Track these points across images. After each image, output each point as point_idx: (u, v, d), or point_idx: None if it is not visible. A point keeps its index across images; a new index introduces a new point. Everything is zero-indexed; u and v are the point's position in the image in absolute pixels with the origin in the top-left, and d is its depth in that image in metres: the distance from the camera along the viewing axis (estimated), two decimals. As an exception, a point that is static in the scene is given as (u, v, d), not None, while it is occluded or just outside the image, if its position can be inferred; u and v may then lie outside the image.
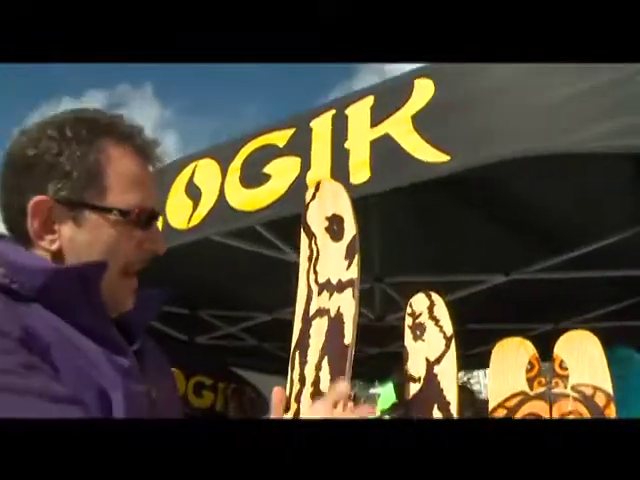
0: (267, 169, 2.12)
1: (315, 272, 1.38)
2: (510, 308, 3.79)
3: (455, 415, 1.48)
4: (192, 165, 2.40)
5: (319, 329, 1.35)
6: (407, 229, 2.97)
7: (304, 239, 1.44)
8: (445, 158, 1.71)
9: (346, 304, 1.30)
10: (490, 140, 1.69)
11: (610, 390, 1.42)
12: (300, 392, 1.29)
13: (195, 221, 2.25)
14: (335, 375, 1.23)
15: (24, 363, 0.85)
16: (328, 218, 1.40)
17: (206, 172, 2.32)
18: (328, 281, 1.36)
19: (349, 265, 1.33)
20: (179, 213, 2.30)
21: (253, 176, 2.15)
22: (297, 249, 2.91)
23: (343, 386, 1.03)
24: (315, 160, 2.00)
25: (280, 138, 2.14)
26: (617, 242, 2.78)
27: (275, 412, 1.11)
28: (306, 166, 2.02)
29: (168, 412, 1.06)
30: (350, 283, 1.31)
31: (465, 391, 3.49)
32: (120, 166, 0.99)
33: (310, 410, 1.07)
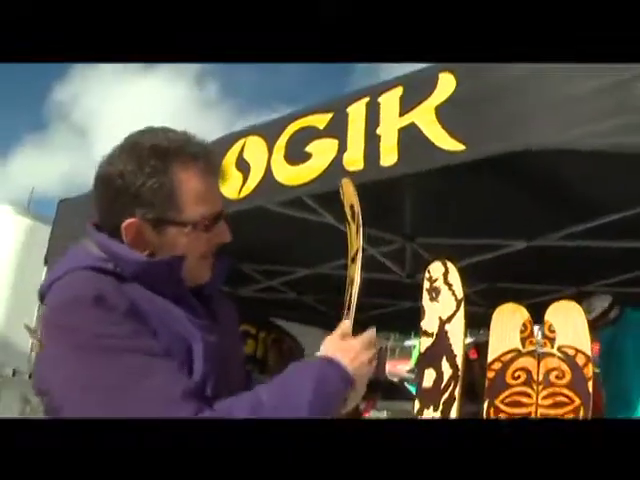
0: (309, 148, 2.41)
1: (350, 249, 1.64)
2: (533, 271, 4.02)
3: (460, 365, 1.78)
4: (241, 141, 2.70)
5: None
6: (437, 195, 3.13)
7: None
8: (461, 148, 1.98)
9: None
10: (501, 133, 1.94)
11: (589, 352, 1.69)
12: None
13: (245, 192, 2.56)
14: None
15: (132, 330, 1.15)
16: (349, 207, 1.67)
17: (254, 148, 2.62)
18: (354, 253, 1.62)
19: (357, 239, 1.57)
20: (230, 184, 2.61)
21: (296, 154, 2.45)
22: (334, 213, 3.18)
23: (345, 323, 1.32)
24: (351, 143, 2.29)
25: (320, 121, 2.42)
26: (636, 214, 2.94)
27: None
28: (343, 148, 2.31)
29: (235, 356, 1.38)
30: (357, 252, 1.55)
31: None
32: (189, 186, 1.25)
33: (323, 348, 1.31)
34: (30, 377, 4.26)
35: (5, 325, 5.05)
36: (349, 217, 1.58)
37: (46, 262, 4.15)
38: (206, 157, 1.28)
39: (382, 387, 5.52)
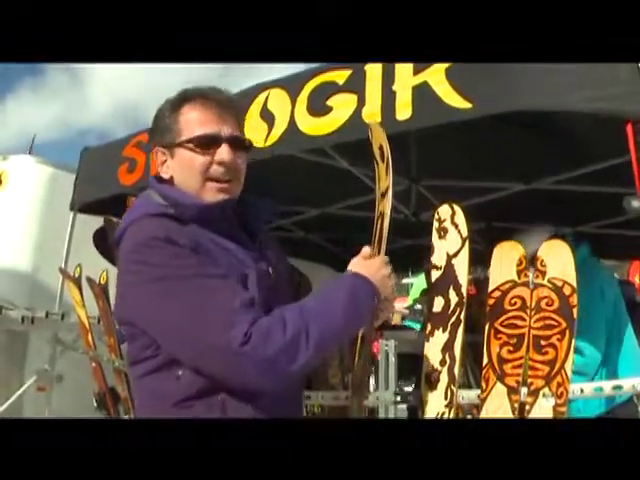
0: (330, 102, 2.66)
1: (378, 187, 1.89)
2: (530, 213, 4.27)
3: (464, 294, 2.07)
4: (265, 93, 2.94)
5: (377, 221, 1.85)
6: (441, 139, 3.29)
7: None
8: (468, 105, 2.24)
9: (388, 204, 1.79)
10: (504, 93, 2.20)
11: (575, 284, 1.97)
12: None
13: (271, 141, 2.82)
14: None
15: (197, 261, 1.40)
16: (378, 148, 1.89)
17: (278, 100, 2.86)
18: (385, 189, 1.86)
19: (387, 178, 1.81)
20: (256, 133, 2.86)
21: (318, 106, 2.70)
22: (348, 158, 3.41)
23: (365, 248, 1.60)
24: (369, 98, 2.54)
25: (340, 77, 2.67)
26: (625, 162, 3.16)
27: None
28: (361, 102, 2.57)
29: (283, 283, 1.63)
30: (388, 188, 1.80)
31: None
32: (188, 116, 1.53)
33: (349, 268, 1.57)
34: (62, 318, 4.53)
35: (35, 270, 5.31)
36: (378, 157, 1.80)
37: (72, 208, 4.42)
38: (201, 96, 1.55)
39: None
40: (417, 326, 5.76)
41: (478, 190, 4.09)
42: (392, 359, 2.97)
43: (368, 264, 1.55)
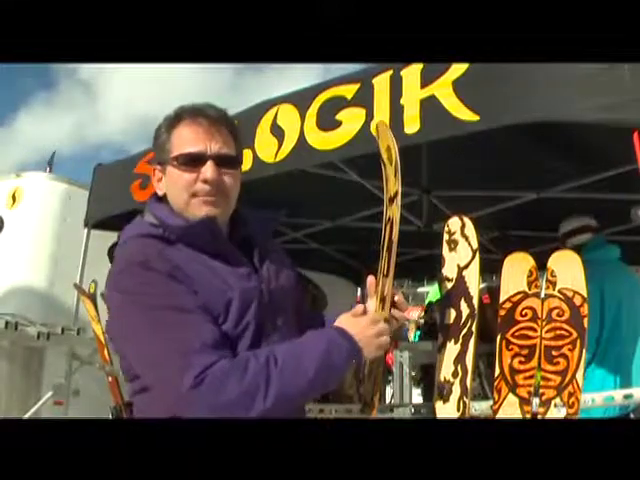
0: (339, 116, 2.69)
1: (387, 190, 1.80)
2: (542, 221, 4.29)
3: (476, 305, 2.07)
4: (274, 109, 2.97)
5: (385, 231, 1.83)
6: (451, 150, 3.26)
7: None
8: (476, 118, 2.26)
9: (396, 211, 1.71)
10: (508, 106, 2.22)
11: (585, 294, 1.97)
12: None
13: (281, 156, 2.85)
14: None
15: (168, 290, 1.39)
16: (386, 149, 1.82)
17: (287, 115, 2.90)
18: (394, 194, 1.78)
19: (396, 181, 1.72)
20: (266, 149, 2.90)
21: (327, 121, 2.73)
22: (357, 170, 3.44)
23: (359, 306, 1.54)
24: (377, 112, 2.56)
25: (348, 91, 2.70)
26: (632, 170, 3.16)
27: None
28: (370, 116, 2.59)
29: (286, 298, 1.60)
30: (397, 194, 1.70)
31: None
32: (179, 135, 1.54)
33: (337, 322, 1.53)
34: (78, 333, 4.58)
35: (51, 286, 5.38)
36: (385, 159, 1.72)
37: (86, 224, 4.47)
38: (192, 114, 1.55)
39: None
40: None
41: (490, 199, 4.11)
42: (406, 370, 2.98)
43: (354, 322, 1.51)
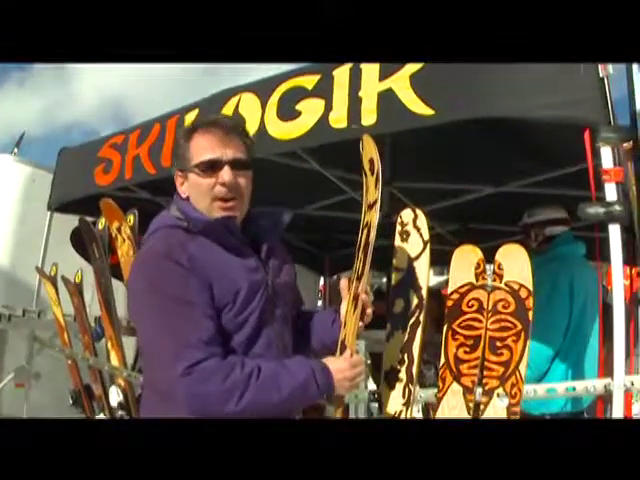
0: (298, 106, 2.72)
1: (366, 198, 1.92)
2: (501, 214, 4.36)
3: (424, 295, 2.11)
4: (236, 97, 3.00)
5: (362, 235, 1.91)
6: (411, 142, 3.32)
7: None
8: (430, 112, 2.30)
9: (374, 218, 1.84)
10: (463, 101, 2.27)
11: (531, 288, 2.01)
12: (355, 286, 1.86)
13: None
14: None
15: (182, 283, 1.59)
16: (369, 161, 1.92)
17: (248, 104, 2.92)
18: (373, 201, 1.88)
19: (376, 191, 1.85)
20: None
21: (287, 111, 2.76)
22: (316, 159, 3.45)
23: (355, 356, 1.77)
24: (336, 103, 2.60)
25: (308, 82, 2.73)
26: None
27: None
28: (329, 107, 2.63)
29: (285, 291, 1.83)
30: (376, 201, 1.84)
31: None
32: (196, 144, 1.73)
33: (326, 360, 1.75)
34: (39, 316, 4.57)
35: (13, 269, 5.38)
36: (367, 169, 1.88)
37: (49, 207, 4.47)
38: (207, 124, 1.76)
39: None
40: None
41: (450, 192, 4.16)
42: (363, 358, 3.01)
43: (338, 361, 1.74)
